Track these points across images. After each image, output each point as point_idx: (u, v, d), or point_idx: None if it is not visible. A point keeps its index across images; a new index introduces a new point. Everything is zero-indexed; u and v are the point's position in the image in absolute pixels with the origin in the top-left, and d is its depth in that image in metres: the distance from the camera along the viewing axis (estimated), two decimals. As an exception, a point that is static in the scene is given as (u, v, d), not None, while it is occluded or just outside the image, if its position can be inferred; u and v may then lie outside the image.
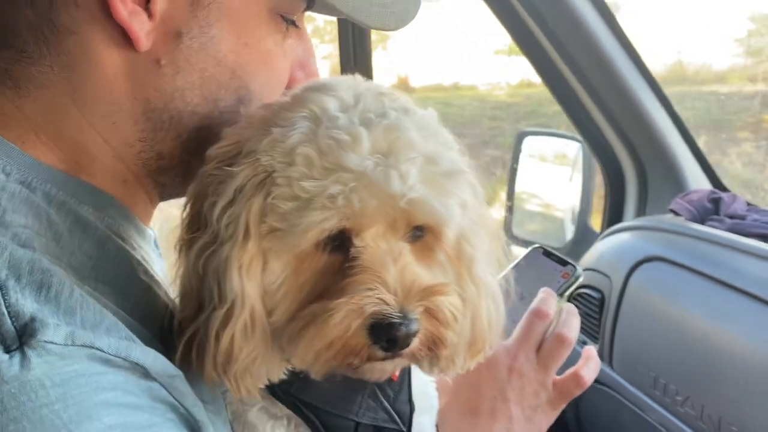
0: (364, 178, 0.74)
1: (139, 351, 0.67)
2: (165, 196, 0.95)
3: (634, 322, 1.70)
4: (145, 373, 0.68)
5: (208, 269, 0.78)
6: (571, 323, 1.09)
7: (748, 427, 1.36)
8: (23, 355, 0.59)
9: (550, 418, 1.07)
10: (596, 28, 1.88)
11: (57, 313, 0.63)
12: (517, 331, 1.10)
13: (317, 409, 0.88)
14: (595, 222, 2.49)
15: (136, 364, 0.67)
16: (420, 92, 9.93)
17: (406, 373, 0.95)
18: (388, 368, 0.81)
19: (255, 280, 0.78)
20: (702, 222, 1.77)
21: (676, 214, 1.84)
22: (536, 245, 1.34)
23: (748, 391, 1.37)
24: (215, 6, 0.83)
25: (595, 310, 1.83)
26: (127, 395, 0.65)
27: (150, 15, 0.79)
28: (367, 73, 2.02)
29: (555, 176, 2.73)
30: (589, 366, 1.09)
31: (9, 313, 0.61)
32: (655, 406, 1.61)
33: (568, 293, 1.25)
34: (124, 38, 0.79)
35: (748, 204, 1.84)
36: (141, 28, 0.79)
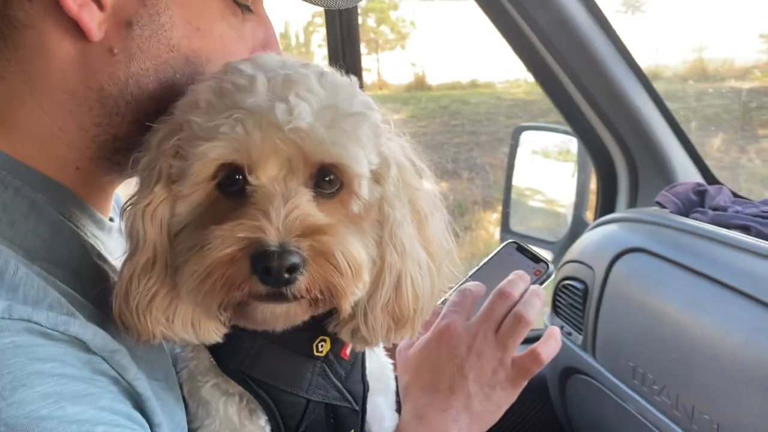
0: (253, 113, 0.78)
1: (78, 325, 0.72)
2: (125, 175, 0.98)
3: (615, 313, 1.72)
4: (84, 347, 0.72)
5: (128, 220, 0.84)
6: (532, 303, 1.11)
7: (720, 415, 1.37)
8: None
9: (510, 395, 1.09)
10: (583, 23, 1.90)
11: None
12: (480, 311, 1.12)
13: (267, 386, 0.91)
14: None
15: (75, 338, 0.71)
16: (437, 90, 9.95)
17: (359, 354, 0.98)
18: (278, 311, 0.80)
19: (159, 221, 0.82)
20: (686, 214, 1.78)
21: (662, 206, 1.85)
22: (510, 240, 1.35)
23: (720, 381, 1.38)
24: None
25: (579, 301, 1.84)
26: (66, 366, 0.69)
27: (100, 6, 0.83)
28: (355, 65, 2.06)
29: (557, 172, 2.75)
30: (549, 344, 1.11)
31: None
32: (633, 395, 1.62)
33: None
34: (77, 29, 0.83)
35: (736, 196, 1.85)
36: (92, 18, 0.83)
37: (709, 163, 2.12)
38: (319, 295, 0.79)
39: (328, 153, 0.80)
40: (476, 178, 7.31)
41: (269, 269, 0.74)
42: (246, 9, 0.95)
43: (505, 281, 1.15)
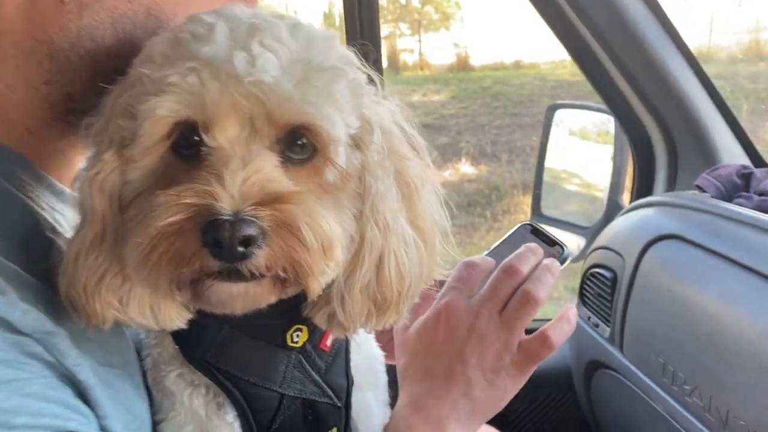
0: (211, 63, 0.68)
1: (4, 304, 0.64)
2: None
3: (645, 305, 1.58)
4: (11, 328, 0.65)
5: (77, 189, 0.76)
6: (542, 280, 0.98)
7: (757, 421, 1.24)
8: None
9: (517, 381, 0.97)
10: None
11: None
12: (484, 288, 1.00)
13: (236, 378, 0.82)
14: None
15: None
16: (479, 71, 9.77)
17: (342, 345, 0.89)
18: (234, 291, 0.70)
19: (108, 191, 0.73)
20: (729, 199, 1.63)
21: (702, 190, 1.70)
22: (525, 221, 1.25)
23: (758, 383, 1.25)
24: None
25: (608, 291, 1.71)
26: None
27: None
28: (374, 40, 1.94)
29: (596, 155, 2.61)
30: (560, 326, 0.98)
31: None
32: (663, 394, 1.50)
33: None
34: None
35: (786, 180, 1.69)
36: None
37: (762, 148, 1.95)
38: (281, 273, 0.69)
39: (296, 112, 0.70)
40: (516, 161, 7.15)
41: (220, 241, 0.64)
42: None
43: (512, 255, 1.02)
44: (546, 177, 2.55)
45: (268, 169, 0.69)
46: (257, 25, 0.71)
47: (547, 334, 0.96)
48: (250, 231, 0.65)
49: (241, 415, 0.84)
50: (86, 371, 0.70)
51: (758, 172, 1.67)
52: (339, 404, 0.88)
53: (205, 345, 0.82)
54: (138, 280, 0.72)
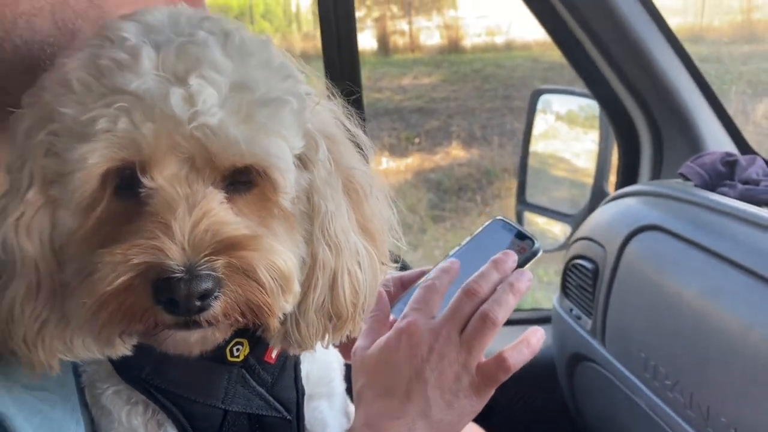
0: (141, 100, 0.63)
1: None
2: None
3: (627, 297, 1.55)
4: None
5: None
6: (502, 301, 0.95)
7: (738, 418, 1.21)
8: None
9: (475, 404, 0.94)
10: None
11: None
12: (445, 309, 0.98)
13: (175, 396, 0.79)
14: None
15: None
16: (471, 53, 9.67)
17: (290, 356, 0.85)
18: (191, 339, 0.68)
19: (38, 235, 0.68)
20: (713, 188, 1.58)
21: (686, 178, 1.65)
22: (498, 217, 1.21)
23: (740, 380, 1.22)
24: None
25: (590, 283, 1.68)
26: None
27: None
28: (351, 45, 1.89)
29: (584, 140, 2.56)
30: (519, 349, 0.95)
31: None
32: (644, 389, 1.47)
33: (525, 268, 1.12)
34: None
35: (771, 167, 1.64)
36: None
37: (753, 129, 1.91)
38: (240, 318, 0.67)
39: (241, 155, 0.66)
40: (507, 145, 7.09)
41: (175, 300, 0.62)
42: None
43: (474, 275, 0.99)
44: (533, 162, 2.51)
45: (216, 210, 0.66)
46: (187, 49, 0.66)
47: (504, 356, 0.94)
48: (206, 285, 0.62)
49: None
50: (4, 400, 0.67)
51: (743, 159, 1.62)
52: (289, 417, 0.85)
53: (141, 363, 0.78)
54: (86, 334, 0.70)
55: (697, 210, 1.47)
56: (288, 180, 0.70)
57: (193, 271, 0.61)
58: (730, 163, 1.62)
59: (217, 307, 0.64)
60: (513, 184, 6.49)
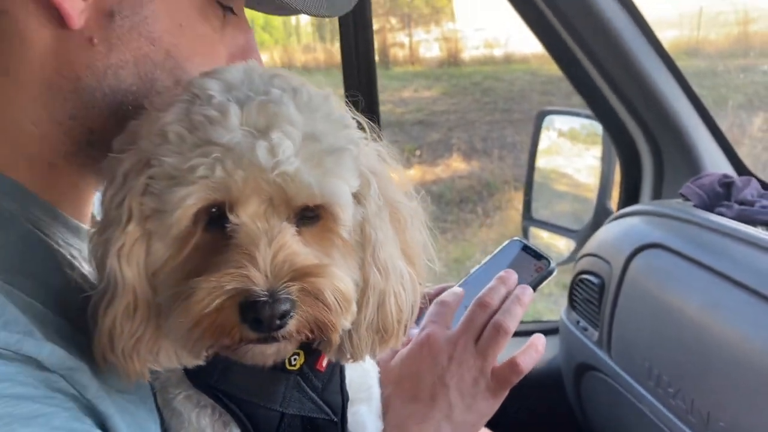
0: (231, 151, 0.73)
1: (33, 344, 0.69)
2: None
3: (631, 311, 1.65)
4: (39, 365, 0.69)
5: (98, 254, 0.80)
6: (512, 311, 1.09)
7: (736, 424, 1.31)
8: None
9: (492, 405, 1.08)
10: (603, 2, 1.81)
11: None
12: (461, 321, 1.11)
13: (239, 400, 0.89)
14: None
15: (29, 357, 0.68)
16: (470, 65, 9.80)
17: (337, 364, 0.95)
18: (268, 352, 0.79)
19: (136, 262, 0.78)
20: (711, 208, 1.69)
21: (686, 198, 1.76)
22: (515, 238, 1.33)
23: (737, 388, 1.32)
24: None
25: (596, 297, 1.78)
26: (17, 386, 0.66)
27: None
28: (369, 63, 1.99)
29: (586, 156, 2.66)
30: (528, 353, 1.09)
31: None
32: (648, 396, 1.57)
33: (540, 286, 1.23)
34: (57, 17, 0.80)
35: (765, 188, 1.75)
36: (73, 6, 0.80)
37: (749, 143, 2.01)
38: (309, 334, 0.78)
39: (312, 196, 0.77)
40: (507, 157, 7.20)
41: (260, 320, 0.72)
42: (229, 10, 0.92)
43: (484, 289, 1.14)
44: (537, 177, 2.62)
45: (290, 243, 0.76)
46: (266, 106, 0.76)
47: (516, 361, 1.08)
48: (285, 307, 0.73)
49: None
50: (106, 402, 0.76)
51: (739, 180, 1.73)
52: (335, 419, 0.94)
53: (209, 371, 0.88)
54: (178, 347, 0.81)
55: (697, 230, 1.58)
56: (347, 214, 0.81)
57: (275, 296, 0.72)
58: (727, 185, 1.73)
59: (291, 325, 0.74)
60: (514, 196, 6.60)
